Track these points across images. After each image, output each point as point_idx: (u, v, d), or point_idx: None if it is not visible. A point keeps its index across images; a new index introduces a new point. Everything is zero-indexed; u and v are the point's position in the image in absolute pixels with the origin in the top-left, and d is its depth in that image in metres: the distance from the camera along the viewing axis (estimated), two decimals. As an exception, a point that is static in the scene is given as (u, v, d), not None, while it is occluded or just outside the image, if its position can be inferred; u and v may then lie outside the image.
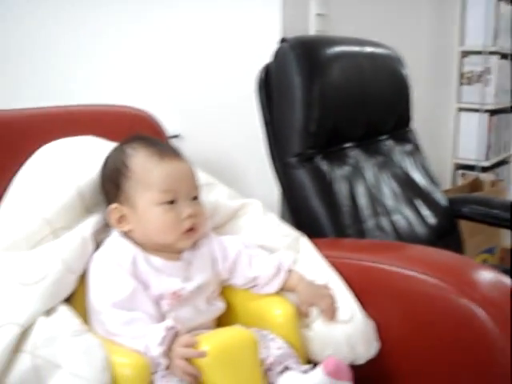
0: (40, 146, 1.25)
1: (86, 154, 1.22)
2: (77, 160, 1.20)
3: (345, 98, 1.73)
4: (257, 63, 1.73)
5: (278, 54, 1.68)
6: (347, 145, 1.80)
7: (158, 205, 1.07)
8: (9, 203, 1.16)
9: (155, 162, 1.09)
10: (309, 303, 1.19)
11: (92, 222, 1.15)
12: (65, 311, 1.01)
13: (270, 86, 1.69)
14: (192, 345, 0.99)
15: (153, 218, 1.08)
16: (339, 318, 1.19)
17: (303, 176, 1.63)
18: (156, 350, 0.97)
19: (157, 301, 1.07)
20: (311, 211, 1.62)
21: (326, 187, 1.65)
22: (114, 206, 1.10)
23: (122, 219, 1.11)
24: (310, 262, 1.29)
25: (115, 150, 1.14)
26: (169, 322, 1.01)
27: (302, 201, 1.64)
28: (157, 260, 1.11)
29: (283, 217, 1.64)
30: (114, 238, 1.13)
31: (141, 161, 1.09)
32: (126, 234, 1.13)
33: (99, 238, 1.16)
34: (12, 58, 1.56)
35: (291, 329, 1.16)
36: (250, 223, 1.32)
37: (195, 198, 1.12)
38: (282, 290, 1.21)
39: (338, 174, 1.70)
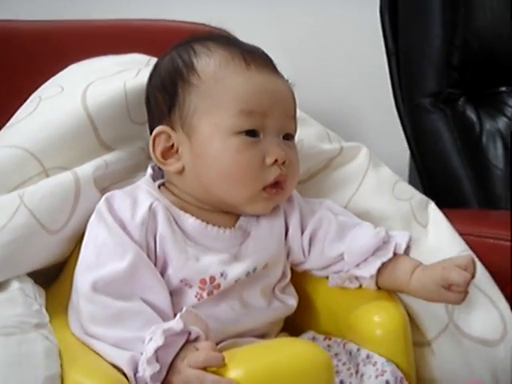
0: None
1: (116, 72, 0.87)
2: (100, 78, 0.85)
3: (504, 19, 1.30)
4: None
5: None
6: (503, 88, 1.37)
7: (232, 134, 0.71)
8: (4, 130, 0.84)
9: (237, 68, 0.73)
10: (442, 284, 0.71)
11: (102, 160, 0.78)
12: (15, 291, 0.68)
13: (397, 5, 1.34)
14: (213, 363, 0.59)
15: (220, 155, 0.71)
16: (481, 335, 0.78)
17: (440, 123, 1.28)
18: (144, 370, 0.59)
19: (178, 288, 0.70)
20: (449, 171, 1.27)
21: (471, 141, 1.28)
22: (160, 128, 0.74)
23: (169, 152, 0.74)
24: (443, 241, 0.87)
25: (175, 48, 0.79)
26: (177, 324, 0.60)
27: (436, 156, 1.29)
28: (192, 221, 0.72)
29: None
30: (138, 182, 0.77)
31: (216, 63, 0.73)
32: (168, 184, 0.77)
33: (114, 187, 0.78)
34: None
35: (397, 347, 0.71)
36: (350, 178, 0.91)
37: (289, 138, 0.76)
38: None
39: (490, 126, 1.32)
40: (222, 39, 0.77)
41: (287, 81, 0.77)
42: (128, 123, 0.82)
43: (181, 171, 0.73)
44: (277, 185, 0.72)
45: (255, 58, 0.74)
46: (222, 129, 0.70)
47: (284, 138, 0.74)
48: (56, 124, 0.78)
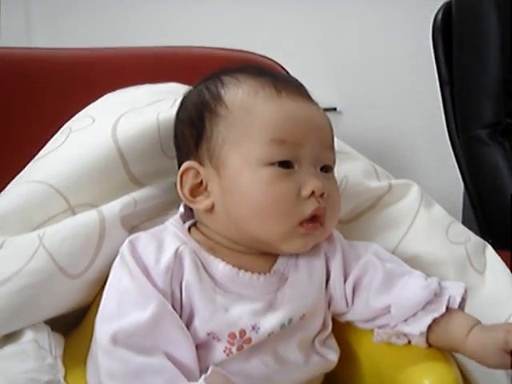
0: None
1: (151, 102, 0.82)
2: (133, 109, 0.80)
3: None
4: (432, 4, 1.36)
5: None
6: None
7: (264, 165, 0.64)
8: (32, 163, 0.79)
9: (267, 96, 0.67)
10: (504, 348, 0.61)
11: (130, 198, 0.72)
12: (28, 343, 0.63)
13: (451, 32, 1.30)
14: None
15: (250, 188, 0.65)
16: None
17: (498, 156, 1.22)
18: None
19: (205, 341, 0.62)
20: (507, 209, 1.17)
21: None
22: (187, 163, 0.68)
23: (197, 190, 0.68)
24: (502, 290, 0.79)
25: (202, 81, 0.74)
26: None
27: (493, 192, 1.22)
28: (222, 266, 0.65)
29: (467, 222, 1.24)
30: (166, 223, 0.70)
31: (245, 93, 0.68)
32: (198, 224, 0.70)
33: (143, 226, 0.73)
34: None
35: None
36: (400, 219, 0.82)
37: (327, 170, 0.69)
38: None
39: (554, 158, 1.26)
40: (252, 70, 0.72)
41: (323, 109, 0.71)
42: (161, 157, 0.77)
43: (210, 209, 0.67)
44: (315, 219, 0.65)
45: (287, 85, 0.68)
46: (253, 160, 0.64)
47: (321, 169, 0.67)
48: (84, 159, 0.73)
